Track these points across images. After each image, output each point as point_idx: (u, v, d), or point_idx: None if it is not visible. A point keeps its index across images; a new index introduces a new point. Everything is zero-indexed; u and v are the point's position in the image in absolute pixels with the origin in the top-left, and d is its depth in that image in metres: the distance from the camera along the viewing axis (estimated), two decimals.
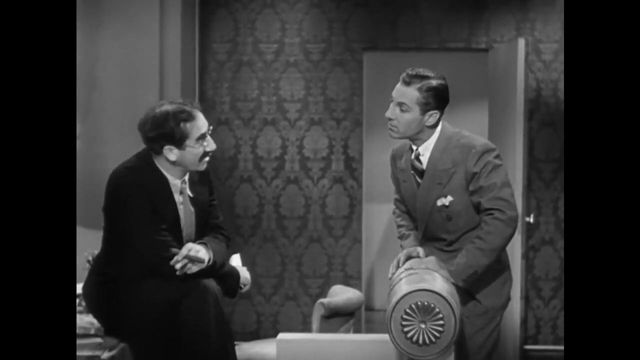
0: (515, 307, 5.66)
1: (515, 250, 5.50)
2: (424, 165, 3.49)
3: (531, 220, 6.00)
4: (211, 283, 3.28)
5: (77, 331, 3.25)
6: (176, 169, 3.42)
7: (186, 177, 3.50)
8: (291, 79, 6.46)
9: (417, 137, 3.47)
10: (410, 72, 3.46)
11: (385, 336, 3.19)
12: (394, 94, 3.46)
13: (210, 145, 3.43)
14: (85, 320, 3.66)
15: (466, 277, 3.33)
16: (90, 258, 4.03)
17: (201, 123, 3.40)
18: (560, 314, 6.39)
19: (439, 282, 3.23)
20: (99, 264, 3.49)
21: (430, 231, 3.54)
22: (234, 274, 3.49)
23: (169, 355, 3.43)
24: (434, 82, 3.42)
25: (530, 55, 6.28)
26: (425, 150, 3.48)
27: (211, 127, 3.47)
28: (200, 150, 3.40)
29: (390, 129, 3.46)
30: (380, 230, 8.32)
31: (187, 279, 3.29)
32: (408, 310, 3.12)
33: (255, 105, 6.48)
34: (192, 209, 3.51)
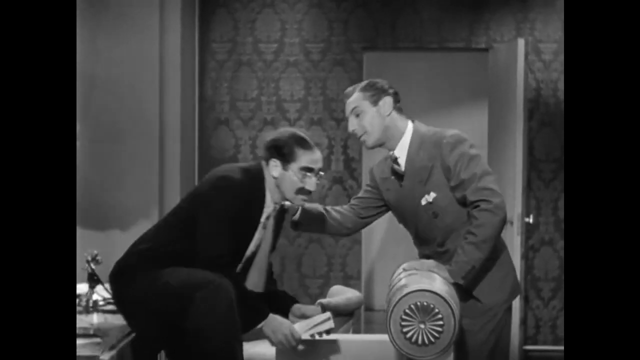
0: (515, 307, 5.67)
1: (514, 251, 5.50)
2: (403, 167, 3.51)
3: (531, 220, 6.01)
4: (225, 282, 3.27)
5: (77, 331, 3.25)
6: (275, 191, 3.43)
7: (277, 208, 3.49)
8: (291, 79, 6.46)
9: (389, 137, 3.52)
10: (347, 89, 3.60)
11: (385, 336, 3.19)
12: (345, 112, 3.57)
13: (310, 184, 3.39)
14: (85, 320, 3.66)
15: (465, 274, 3.34)
16: (90, 258, 4.03)
17: (314, 159, 3.40)
18: (560, 314, 6.39)
19: (438, 283, 3.23)
20: (144, 240, 3.49)
21: (421, 233, 3.56)
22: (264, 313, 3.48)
23: (170, 346, 3.44)
24: (370, 80, 3.59)
25: (530, 55, 6.28)
26: (402, 152, 3.52)
27: (322, 173, 3.45)
28: (299, 181, 3.38)
29: (362, 142, 3.56)
30: (380, 231, 8.33)
31: (203, 275, 3.29)
32: (407, 311, 3.12)
33: (255, 105, 6.49)
34: (269, 239, 3.51)
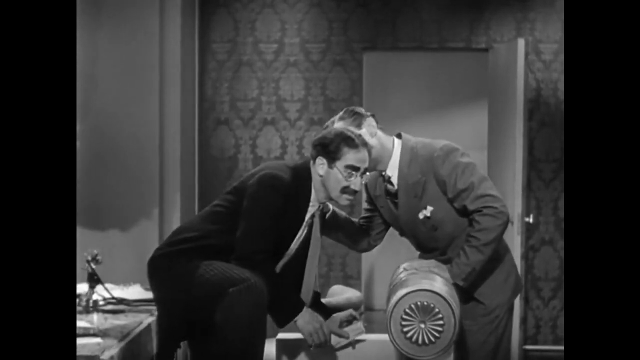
0: (515, 307, 5.66)
1: (515, 251, 5.50)
2: (396, 186, 3.50)
3: (531, 220, 6.00)
4: (260, 282, 3.29)
5: (77, 331, 3.25)
6: (321, 190, 3.43)
7: (321, 207, 3.50)
8: (291, 79, 6.46)
9: (379, 159, 3.47)
10: (326, 124, 3.59)
11: (385, 336, 3.19)
12: None
13: (356, 184, 3.37)
14: (85, 320, 3.66)
15: (466, 276, 3.34)
16: (90, 258, 4.03)
17: (360, 157, 3.37)
18: (560, 314, 6.39)
19: (438, 283, 3.23)
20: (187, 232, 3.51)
21: (423, 245, 3.56)
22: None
23: (193, 337, 3.46)
24: (347, 108, 3.58)
25: (530, 55, 6.28)
26: (393, 171, 3.49)
27: (368, 174, 3.44)
28: (344, 180, 3.37)
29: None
30: None
31: (239, 272, 3.31)
32: (408, 310, 3.13)
33: (255, 105, 6.49)
34: (318, 238, 3.51)
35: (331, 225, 3.68)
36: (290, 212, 3.39)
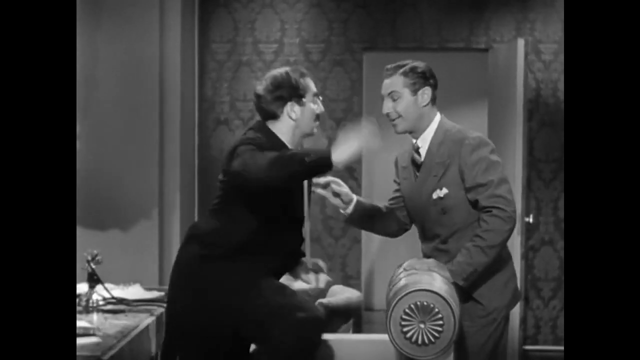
0: (515, 307, 5.66)
1: (515, 251, 5.49)
2: (422, 158, 3.51)
3: (531, 220, 6.00)
4: (310, 313, 3.28)
5: (77, 331, 3.24)
6: (293, 134, 3.45)
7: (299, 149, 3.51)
8: None
9: (417, 127, 3.51)
10: (388, 66, 3.54)
11: (385, 336, 3.19)
12: (382, 91, 3.53)
13: (320, 107, 3.48)
14: (85, 320, 3.66)
15: (467, 276, 3.34)
16: (90, 258, 4.03)
17: (312, 83, 3.48)
18: (560, 314, 6.39)
19: (438, 282, 3.23)
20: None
21: (427, 228, 3.55)
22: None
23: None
24: (413, 64, 3.52)
25: (530, 55, 6.28)
26: (424, 143, 3.52)
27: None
28: (315, 107, 3.45)
29: (393, 125, 3.52)
30: None
31: (300, 300, 3.31)
32: (407, 311, 3.12)
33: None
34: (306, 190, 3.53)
35: (359, 214, 3.63)
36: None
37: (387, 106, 3.50)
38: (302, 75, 3.44)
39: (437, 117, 3.53)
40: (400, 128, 3.51)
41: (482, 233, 3.33)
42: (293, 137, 3.45)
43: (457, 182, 3.42)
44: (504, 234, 3.35)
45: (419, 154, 3.53)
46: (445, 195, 3.44)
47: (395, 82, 3.49)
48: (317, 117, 3.46)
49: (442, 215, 3.46)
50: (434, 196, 3.46)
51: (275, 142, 3.39)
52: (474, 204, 3.41)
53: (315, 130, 3.49)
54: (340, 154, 3.06)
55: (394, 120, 3.50)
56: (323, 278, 3.50)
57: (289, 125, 3.43)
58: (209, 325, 3.33)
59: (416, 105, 3.48)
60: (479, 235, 3.34)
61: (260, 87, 3.45)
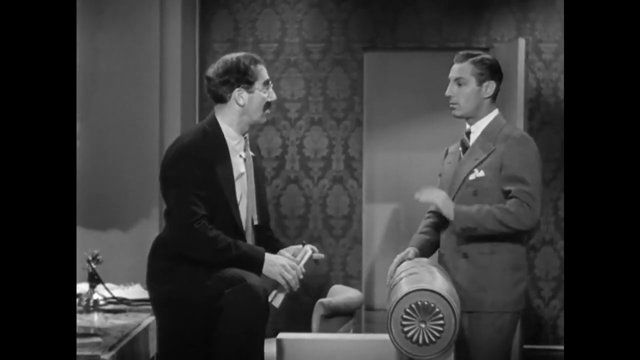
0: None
1: None
2: (471, 142, 3.59)
3: None
4: (256, 280, 3.30)
5: (77, 331, 3.25)
6: (240, 120, 3.46)
7: (247, 136, 3.53)
8: (291, 79, 6.46)
9: (474, 115, 3.59)
10: (462, 53, 3.64)
11: (385, 336, 3.19)
12: (450, 74, 3.62)
13: (271, 95, 3.52)
14: (85, 319, 3.66)
15: (465, 227, 3.42)
16: (90, 258, 4.03)
17: (265, 71, 3.52)
18: (560, 314, 6.38)
19: (438, 282, 3.23)
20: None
21: None
22: None
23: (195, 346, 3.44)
24: (485, 56, 3.63)
25: (531, 55, 6.28)
26: (477, 129, 3.60)
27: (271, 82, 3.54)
28: (265, 96, 3.48)
29: (452, 108, 3.61)
30: (381, 230, 8.31)
31: (228, 273, 3.31)
32: (408, 310, 3.12)
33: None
34: (252, 172, 3.51)
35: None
36: (217, 162, 3.38)
37: (452, 90, 3.59)
38: (254, 61, 3.47)
39: (495, 112, 3.62)
40: (458, 113, 3.60)
41: (502, 208, 3.40)
42: (240, 123, 3.48)
43: (495, 168, 3.48)
44: (519, 226, 3.40)
45: (469, 137, 3.61)
46: (481, 177, 3.50)
47: (464, 69, 3.57)
48: (268, 105, 3.50)
49: (473, 196, 3.50)
50: (471, 177, 3.52)
51: (217, 144, 3.41)
52: (506, 194, 3.45)
53: (264, 119, 3.53)
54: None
55: (454, 104, 3.58)
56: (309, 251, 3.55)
57: (236, 110, 3.46)
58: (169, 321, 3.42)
59: (479, 95, 3.56)
60: (499, 207, 3.40)
61: (211, 70, 3.49)
